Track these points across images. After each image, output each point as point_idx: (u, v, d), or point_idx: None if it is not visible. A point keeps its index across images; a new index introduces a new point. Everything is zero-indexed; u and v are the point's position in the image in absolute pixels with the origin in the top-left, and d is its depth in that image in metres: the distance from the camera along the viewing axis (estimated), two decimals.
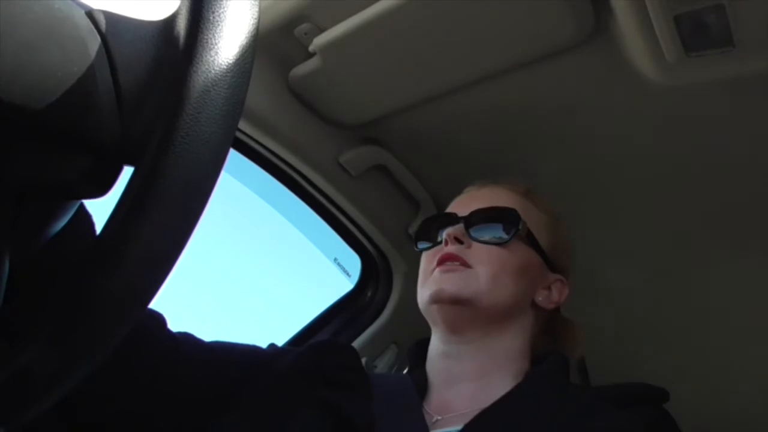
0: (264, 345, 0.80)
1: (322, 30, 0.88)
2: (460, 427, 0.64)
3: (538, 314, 0.78)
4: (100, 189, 0.36)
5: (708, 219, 1.03)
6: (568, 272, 0.82)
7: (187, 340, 0.71)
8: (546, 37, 0.79)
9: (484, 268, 0.73)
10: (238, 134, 0.96)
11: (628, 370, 1.10)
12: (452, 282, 0.73)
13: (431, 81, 0.92)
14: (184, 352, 0.69)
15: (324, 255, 1.23)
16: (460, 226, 0.77)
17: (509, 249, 0.75)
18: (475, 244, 0.76)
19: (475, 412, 0.65)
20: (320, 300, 1.21)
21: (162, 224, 0.31)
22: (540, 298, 0.78)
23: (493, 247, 0.75)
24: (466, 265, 0.74)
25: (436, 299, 0.73)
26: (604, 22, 0.77)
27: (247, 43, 0.34)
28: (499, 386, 0.70)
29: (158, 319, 0.68)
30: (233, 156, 0.99)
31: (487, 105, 0.95)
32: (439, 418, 0.69)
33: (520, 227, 0.76)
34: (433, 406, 0.72)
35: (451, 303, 0.72)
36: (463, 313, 0.73)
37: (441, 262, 0.74)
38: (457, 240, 0.76)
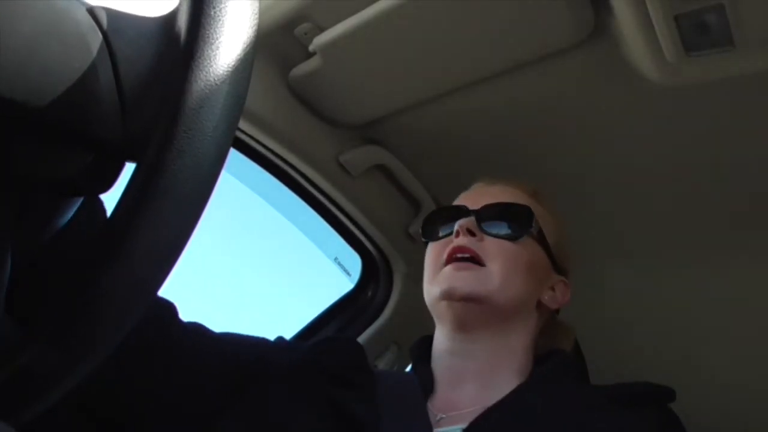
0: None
1: (322, 30, 0.88)
2: (464, 426, 0.64)
3: (541, 314, 0.78)
4: (103, 185, 0.36)
5: (708, 218, 1.03)
6: (569, 275, 0.82)
7: (196, 329, 0.71)
8: (546, 37, 0.79)
9: (497, 265, 0.72)
10: (239, 134, 0.96)
11: (629, 371, 1.10)
12: (465, 280, 0.71)
13: (431, 81, 0.92)
14: (194, 341, 0.69)
15: (324, 255, 1.23)
16: (472, 218, 0.75)
17: (521, 246, 0.74)
18: (487, 238, 0.74)
19: (479, 411, 0.65)
20: (320, 300, 1.21)
21: (164, 220, 0.31)
22: (546, 297, 0.77)
23: (506, 242, 0.74)
24: (478, 262, 0.72)
25: (447, 296, 0.71)
26: (604, 22, 0.77)
27: (247, 37, 0.34)
28: (504, 385, 0.70)
29: (170, 309, 0.68)
30: (233, 155, 0.99)
31: (488, 105, 0.95)
32: (443, 416, 0.68)
33: (533, 225, 0.75)
34: (437, 404, 0.71)
35: (463, 300, 0.71)
36: (474, 310, 0.71)
37: (452, 255, 0.73)
38: (470, 232, 0.74)
